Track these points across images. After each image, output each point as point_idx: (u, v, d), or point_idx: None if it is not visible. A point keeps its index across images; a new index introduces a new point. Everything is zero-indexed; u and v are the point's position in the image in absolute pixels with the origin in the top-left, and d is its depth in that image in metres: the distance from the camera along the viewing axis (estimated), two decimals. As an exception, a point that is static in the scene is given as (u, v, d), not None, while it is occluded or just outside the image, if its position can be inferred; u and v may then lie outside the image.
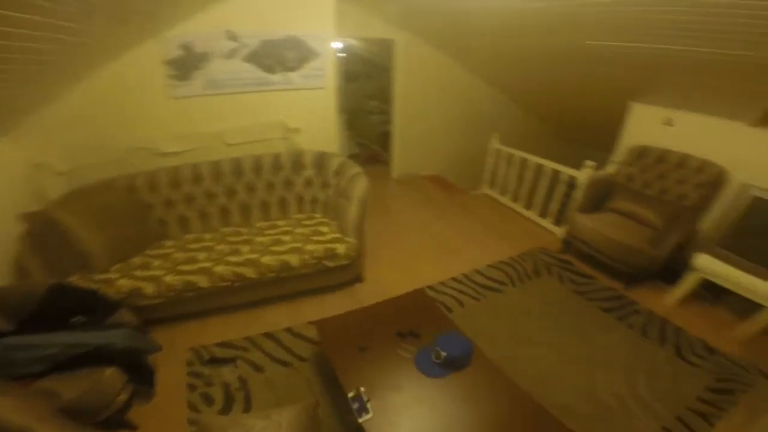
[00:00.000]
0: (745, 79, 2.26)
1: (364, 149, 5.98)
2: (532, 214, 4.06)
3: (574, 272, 3.17)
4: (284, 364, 2.22)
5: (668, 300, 2.84)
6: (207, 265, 2.39)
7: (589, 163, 3.38)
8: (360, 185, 2.72)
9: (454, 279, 3.01)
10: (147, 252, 2.55)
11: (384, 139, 5.39)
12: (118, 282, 2.20)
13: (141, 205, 2.68)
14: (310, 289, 2.72)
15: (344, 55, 5.50)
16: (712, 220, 2.59)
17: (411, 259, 3.28)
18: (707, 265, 2.59)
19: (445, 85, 4.68)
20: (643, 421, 1.93)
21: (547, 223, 3.90)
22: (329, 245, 2.56)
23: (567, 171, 3.61)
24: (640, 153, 3.31)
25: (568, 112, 4.44)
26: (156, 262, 2.42)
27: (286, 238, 2.68)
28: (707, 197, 2.89)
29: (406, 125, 4.74)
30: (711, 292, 2.77)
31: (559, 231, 3.72)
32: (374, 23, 4.03)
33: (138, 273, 2.30)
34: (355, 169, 2.91)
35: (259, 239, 2.68)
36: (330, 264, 2.58)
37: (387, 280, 2.98)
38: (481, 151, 4.63)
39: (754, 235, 2.42)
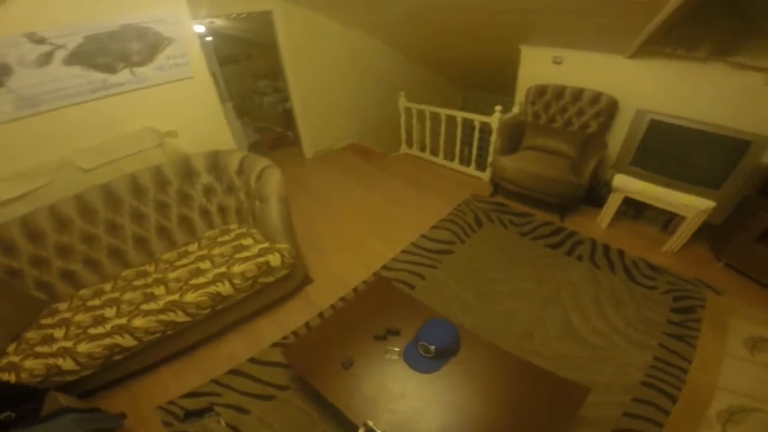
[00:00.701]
0: (619, 17, 2.43)
1: (265, 134, 5.38)
2: (455, 165, 4.11)
3: (511, 213, 3.29)
4: (267, 398, 1.94)
5: (601, 223, 3.12)
6: (121, 321, 1.89)
7: (498, 107, 3.45)
8: (273, 180, 2.34)
9: (404, 252, 2.91)
10: (41, 322, 1.97)
11: (286, 118, 4.89)
12: (24, 364, 1.69)
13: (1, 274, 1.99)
14: (259, 308, 2.39)
15: (210, 38, 4.67)
16: (620, 143, 2.86)
17: (354, 240, 3.09)
18: (625, 183, 2.84)
19: (339, 52, 4.30)
20: (631, 353, 2.04)
21: (472, 170, 4.00)
22: (260, 259, 2.18)
23: (478, 118, 3.65)
24: (539, 92, 3.46)
25: (466, 62, 4.47)
26: (58, 332, 1.88)
27: (205, 265, 2.23)
28: (606, 123, 3.19)
29: (308, 100, 4.30)
30: (633, 208, 3.13)
31: (485, 175, 3.84)
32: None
33: (43, 349, 1.77)
34: (261, 162, 2.46)
35: (172, 275, 2.19)
36: (268, 280, 2.24)
37: (338, 270, 2.76)
38: (393, 113, 4.47)
39: (657, 152, 2.70)
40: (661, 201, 2.74)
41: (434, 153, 4.32)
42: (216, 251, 2.33)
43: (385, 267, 2.75)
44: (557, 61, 3.37)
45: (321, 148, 4.69)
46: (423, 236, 3.07)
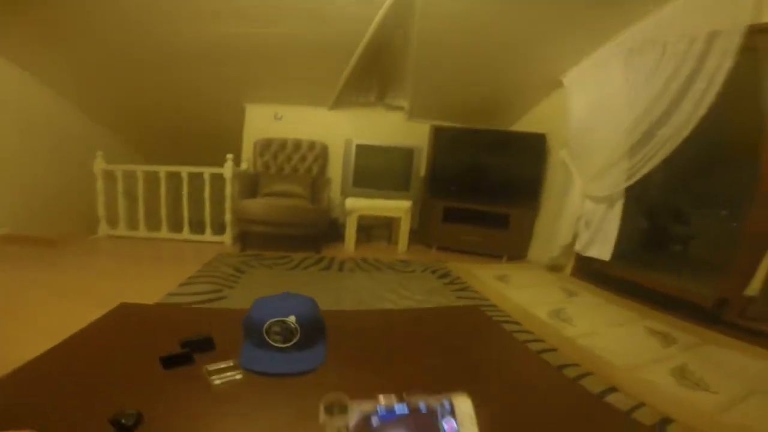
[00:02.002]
0: (318, 69, 3.17)
1: None
2: (186, 235, 3.45)
3: (270, 258, 3.05)
4: None
5: (349, 247, 3.50)
6: None
7: (229, 155, 3.35)
8: None
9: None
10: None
11: None
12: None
13: None
14: None
15: None
16: (340, 174, 3.48)
17: (44, 318, 1.77)
18: (354, 203, 3.40)
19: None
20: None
21: (209, 237, 3.46)
22: None
23: (208, 170, 3.37)
24: (265, 144, 3.72)
25: (186, 122, 4.04)
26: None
27: None
28: (324, 164, 3.85)
29: None
30: (364, 233, 3.77)
31: (226, 237, 3.43)
32: None
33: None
34: None
35: None
36: None
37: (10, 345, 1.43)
38: (80, 182, 3.33)
39: (367, 171, 3.46)
40: (381, 209, 3.51)
41: (154, 228, 3.46)
42: None
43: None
44: (278, 118, 3.82)
45: None
46: (170, 294, 2.23)
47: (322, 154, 3.77)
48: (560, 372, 1.33)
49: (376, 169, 3.50)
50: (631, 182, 2.56)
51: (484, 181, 3.64)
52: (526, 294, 2.59)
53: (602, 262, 2.81)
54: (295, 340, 0.89)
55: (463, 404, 0.61)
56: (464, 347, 1.05)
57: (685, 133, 2.18)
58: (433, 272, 3.00)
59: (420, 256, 3.48)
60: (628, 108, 2.51)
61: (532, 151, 3.50)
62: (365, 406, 0.61)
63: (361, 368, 0.88)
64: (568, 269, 3.19)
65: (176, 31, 2.71)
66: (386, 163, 3.51)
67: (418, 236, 3.88)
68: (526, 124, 3.86)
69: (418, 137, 3.81)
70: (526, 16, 2.57)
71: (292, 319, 0.89)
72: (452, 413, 0.61)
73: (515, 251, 3.61)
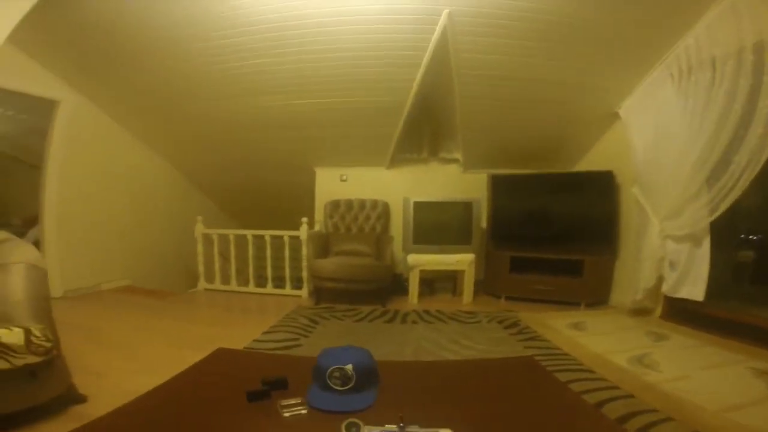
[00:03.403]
0: (372, 130, 3.56)
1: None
2: (270, 289, 3.85)
3: (340, 311, 3.26)
4: None
5: (412, 300, 3.54)
6: None
7: (303, 219, 3.78)
8: (21, 249, 1.61)
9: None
10: None
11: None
12: None
13: None
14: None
15: None
16: (401, 232, 3.69)
17: (156, 359, 2.16)
18: (416, 260, 3.50)
19: (123, 171, 3.90)
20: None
21: (288, 291, 3.82)
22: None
23: (287, 233, 3.80)
24: (334, 206, 4.12)
25: (267, 190, 4.77)
26: None
27: None
28: (386, 222, 4.07)
29: (65, 222, 3.42)
30: (427, 287, 3.81)
31: (303, 291, 3.76)
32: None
33: None
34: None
35: None
36: None
37: (132, 387, 1.77)
38: (182, 249, 4.01)
39: (426, 227, 3.60)
40: (443, 264, 3.54)
41: (243, 283, 3.95)
42: None
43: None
44: (343, 179, 4.23)
45: (77, 286, 3.48)
46: (256, 341, 2.53)
47: (384, 212, 4.04)
48: (612, 421, 1.22)
49: (435, 224, 3.62)
50: (713, 217, 2.34)
51: (551, 227, 3.54)
52: (603, 341, 2.41)
53: (697, 301, 2.51)
54: (351, 385, 1.06)
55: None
56: (510, 396, 1.08)
57: (765, 156, 1.99)
58: (500, 322, 2.91)
59: (486, 307, 3.38)
60: (692, 136, 2.37)
61: (600, 190, 3.36)
62: (375, 429, 0.85)
63: (403, 410, 0.98)
64: (658, 312, 2.87)
65: (253, 105, 3.32)
66: (445, 217, 3.63)
67: (485, 287, 3.82)
68: (590, 163, 3.75)
69: (477, 188, 3.89)
70: (565, 52, 2.65)
71: (349, 367, 1.07)
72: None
73: (594, 297, 3.35)
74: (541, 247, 3.45)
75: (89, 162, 3.62)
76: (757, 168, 2.03)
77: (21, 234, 3.41)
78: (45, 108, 3.19)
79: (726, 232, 2.64)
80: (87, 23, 2.55)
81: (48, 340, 1.41)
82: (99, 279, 3.73)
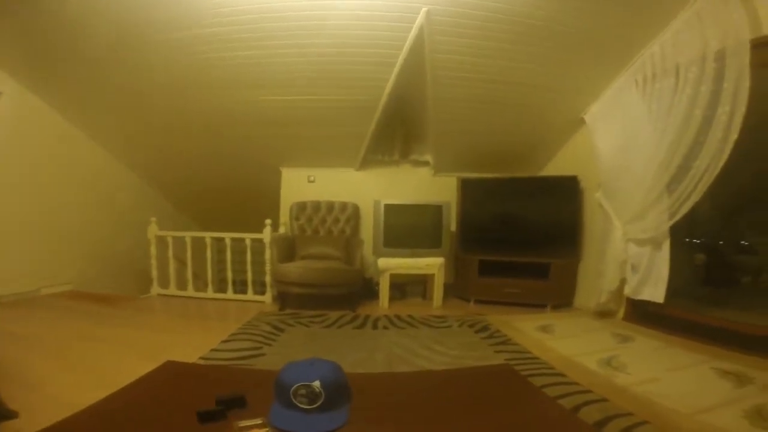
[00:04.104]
0: (343, 130, 3.44)
1: None
2: (230, 295, 3.61)
3: (307, 317, 3.09)
4: None
5: (383, 305, 3.42)
6: None
7: (267, 221, 3.57)
8: None
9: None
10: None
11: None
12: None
13: None
14: None
15: None
16: (371, 235, 3.56)
17: (102, 367, 1.93)
18: (386, 263, 3.40)
19: (71, 169, 3.57)
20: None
21: (250, 296, 3.60)
22: None
23: (249, 236, 3.58)
24: (300, 208, 3.95)
25: (229, 191, 4.50)
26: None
27: None
28: (356, 225, 3.95)
29: None
30: (398, 291, 3.71)
31: (266, 297, 3.55)
32: None
33: None
34: None
35: None
36: None
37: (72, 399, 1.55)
38: (132, 251, 3.69)
39: (397, 230, 3.52)
40: (414, 268, 3.47)
41: (201, 288, 3.68)
42: None
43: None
44: (311, 180, 4.08)
45: (12, 291, 3.10)
46: (214, 350, 2.33)
47: (354, 214, 3.92)
48: (590, 426, 1.19)
49: (406, 227, 3.56)
50: (674, 221, 2.42)
51: (519, 231, 3.58)
52: (571, 343, 2.41)
53: (658, 303, 2.58)
54: (319, 403, 0.93)
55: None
56: (490, 409, 1.01)
57: (722, 161, 2.07)
58: (471, 326, 2.86)
59: (456, 311, 3.34)
60: (655, 141, 2.45)
61: (565, 194, 3.43)
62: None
63: (379, 430, 0.88)
64: (621, 314, 2.95)
65: (217, 99, 3.13)
66: (416, 220, 3.58)
67: (454, 290, 3.79)
68: (555, 168, 3.84)
69: (448, 191, 3.86)
70: (539, 55, 2.68)
71: (317, 383, 0.95)
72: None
73: (559, 299, 3.40)
74: (509, 250, 3.47)
75: (29, 156, 3.26)
76: (715, 173, 2.11)
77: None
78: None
79: (682, 235, 2.76)
80: (33, 11, 2.31)
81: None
82: (38, 283, 3.33)
